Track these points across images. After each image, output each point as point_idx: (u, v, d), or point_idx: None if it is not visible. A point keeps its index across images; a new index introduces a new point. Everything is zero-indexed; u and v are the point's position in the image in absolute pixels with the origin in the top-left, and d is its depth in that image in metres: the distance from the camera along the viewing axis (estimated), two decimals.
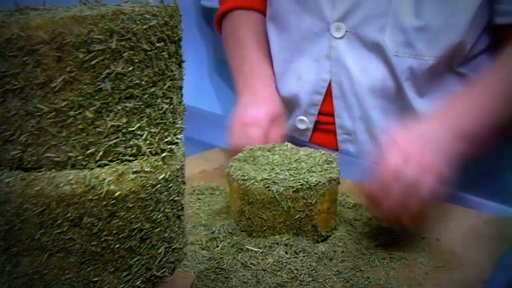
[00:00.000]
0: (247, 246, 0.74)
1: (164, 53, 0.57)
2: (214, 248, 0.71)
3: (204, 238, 0.73)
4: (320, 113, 1.07)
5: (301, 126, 1.09)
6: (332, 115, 1.06)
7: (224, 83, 1.69)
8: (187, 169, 0.90)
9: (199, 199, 0.86)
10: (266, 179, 0.71)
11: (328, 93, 1.05)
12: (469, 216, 0.82)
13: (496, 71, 0.89)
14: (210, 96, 1.74)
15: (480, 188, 1.00)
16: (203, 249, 0.71)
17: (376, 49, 0.97)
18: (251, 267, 0.69)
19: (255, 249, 0.73)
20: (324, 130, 1.08)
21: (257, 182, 0.71)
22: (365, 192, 0.72)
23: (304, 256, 0.72)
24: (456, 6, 0.91)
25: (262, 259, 0.71)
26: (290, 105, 1.09)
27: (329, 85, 1.04)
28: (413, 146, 0.73)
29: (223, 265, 0.70)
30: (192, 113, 1.20)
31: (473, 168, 1.01)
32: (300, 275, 0.68)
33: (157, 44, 0.56)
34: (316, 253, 0.73)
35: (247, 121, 0.89)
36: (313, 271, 0.69)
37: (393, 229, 0.80)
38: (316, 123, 1.08)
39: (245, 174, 0.73)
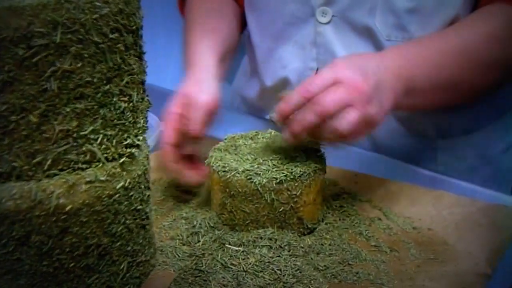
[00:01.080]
0: (227, 245, 0.70)
1: (119, 45, 0.50)
2: (195, 244, 0.68)
3: (185, 232, 0.70)
4: None
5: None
6: None
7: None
8: None
9: (180, 190, 0.82)
10: (248, 170, 0.68)
11: None
12: (463, 204, 0.78)
13: (458, 29, 0.83)
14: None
15: (473, 174, 0.98)
16: (183, 245, 0.69)
17: (366, 34, 0.90)
18: (231, 268, 0.65)
19: (236, 248, 0.69)
20: None
21: (238, 173, 0.67)
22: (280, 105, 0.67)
23: (288, 254, 0.68)
24: None
25: (244, 259, 0.67)
26: (276, 92, 1.03)
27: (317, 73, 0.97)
28: (348, 72, 0.67)
29: (202, 266, 0.66)
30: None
31: (465, 153, 0.98)
32: (283, 276, 0.64)
33: (111, 36, 0.49)
34: (302, 247, 0.69)
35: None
36: (298, 271, 0.65)
37: (381, 218, 0.76)
38: None
39: (226, 165, 0.69)
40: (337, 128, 0.64)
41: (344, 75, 0.66)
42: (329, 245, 0.70)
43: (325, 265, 0.66)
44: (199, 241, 0.69)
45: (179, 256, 0.67)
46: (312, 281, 0.63)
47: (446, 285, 0.62)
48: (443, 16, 0.86)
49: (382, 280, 0.63)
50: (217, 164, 0.69)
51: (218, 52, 0.92)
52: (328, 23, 0.92)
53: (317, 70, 0.97)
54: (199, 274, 0.63)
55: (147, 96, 0.56)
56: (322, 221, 0.75)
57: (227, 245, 0.69)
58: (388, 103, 0.69)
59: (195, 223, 0.73)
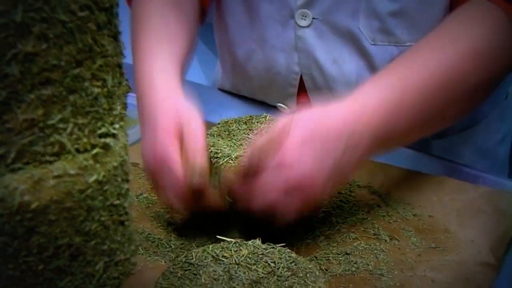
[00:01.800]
0: (218, 236, 0.66)
1: (90, 24, 0.45)
2: (186, 232, 0.68)
3: (176, 222, 0.69)
4: (299, 103, 0.95)
5: (283, 110, 0.97)
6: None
7: (208, 50, 1.57)
8: None
9: None
10: (241, 156, 0.65)
11: (303, 85, 0.92)
12: (464, 190, 0.75)
13: (440, 49, 0.71)
14: (190, 68, 1.62)
15: (475, 159, 0.95)
16: (174, 235, 0.68)
17: (350, 38, 0.84)
18: (223, 261, 0.61)
19: (228, 239, 0.66)
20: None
21: (232, 160, 0.65)
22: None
23: (283, 245, 0.63)
24: None
25: (236, 251, 0.63)
26: (264, 91, 0.97)
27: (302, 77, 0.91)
28: (301, 172, 0.60)
29: (192, 258, 0.61)
30: None
31: (461, 150, 0.94)
32: (277, 269, 0.60)
33: (80, 14, 0.44)
34: (296, 237, 0.67)
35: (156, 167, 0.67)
36: (293, 263, 0.61)
37: (380, 205, 0.74)
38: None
39: (219, 150, 0.66)
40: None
41: (294, 174, 0.60)
42: (325, 234, 0.68)
43: (321, 256, 0.64)
44: (189, 233, 0.68)
45: (170, 247, 0.65)
46: (308, 274, 0.59)
47: (448, 275, 0.60)
48: (430, 17, 0.79)
49: (382, 270, 0.61)
50: (209, 150, 0.66)
51: (179, 63, 0.78)
52: (308, 26, 0.86)
53: (301, 76, 0.91)
54: (189, 268, 0.60)
55: (126, 80, 0.51)
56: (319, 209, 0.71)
57: (218, 236, 0.66)
58: (345, 178, 0.68)
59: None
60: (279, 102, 0.96)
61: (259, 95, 0.99)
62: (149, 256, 0.64)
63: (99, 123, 0.47)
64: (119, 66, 0.49)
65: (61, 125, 0.44)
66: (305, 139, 0.60)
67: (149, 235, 0.69)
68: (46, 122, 0.44)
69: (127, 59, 0.55)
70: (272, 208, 0.61)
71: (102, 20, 0.46)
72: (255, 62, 0.94)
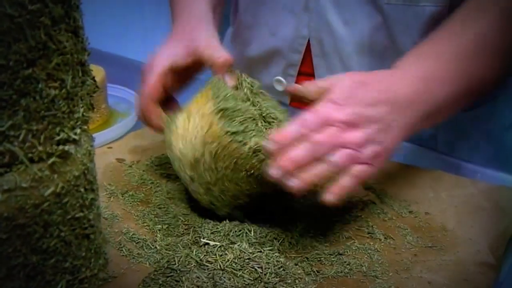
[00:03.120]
0: (203, 240, 0.63)
1: (43, 18, 0.40)
2: (171, 232, 0.65)
3: (162, 221, 0.67)
4: (300, 73, 0.92)
5: (279, 88, 0.94)
6: (313, 75, 0.91)
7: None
8: (148, 137, 0.83)
9: (159, 174, 0.77)
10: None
11: (308, 51, 0.89)
12: (463, 186, 0.74)
13: (468, 22, 0.73)
14: None
15: (475, 152, 0.93)
16: (160, 234, 0.65)
17: None
18: (207, 266, 0.59)
19: (213, 243, 0.63)
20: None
21: None
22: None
23: (270, 248, 0.62)
24: None
25: (221, 255, 0.60)
26: (264, 63, 0.94)
27: (309, 42, 0.88)
28: (343, 115, 0.60)
29: (174, 264, 0.59)
30: None
31: (467, 130, 0.91)
32: (265, 274, 0.57)
33: (30, 7, 0.39)
34: (286, 237, 0.64)
35: (148, 66, 0.76)
36: (281, 269, 0.59)
37: (375, 202, 0.72)
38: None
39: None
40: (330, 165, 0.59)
41: (340, 115, 0.59)
42: (317, 234, 0.66)
43: (313, 257, 0.62)
44: (174, 233, 0.65)
45: (155, 248, 0.63)
46: (296, 281, 0.57)
47: (445, 276, 0.58)
48: None
49: (376, 272, 0.59)
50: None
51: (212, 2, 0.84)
52: None
53: (308, 40, 0.88)
54: (171, 274, 0.57)
55: (92, 78, 0.47)
56: (309, 206, 0.70)
57: (202, 240, 0.63)
58: (394, 142, 0.63)
59: (171, 210, 0.69)
60: (278, 76, 0.93)
61: (255, 72, 0.96)
62: (133, 258, 0.62)
63: (57, 129, 0.42)
64: (82, 63, 0.44)
65: (12, 133, 0.40)
66: (350, 94, 0.61)
67: (133, 236, 0.66)
68: None
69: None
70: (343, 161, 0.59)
71: (58, 14, 0.41)
72: (260, 27, 0.92)
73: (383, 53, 0.85)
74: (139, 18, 1.65)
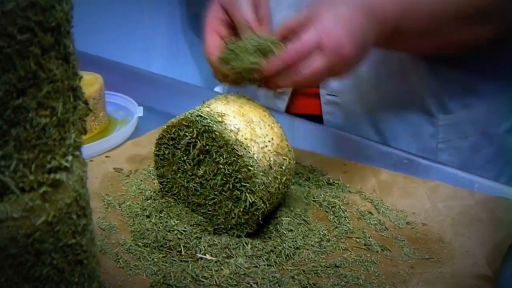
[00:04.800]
0: (199, 255, 0.64)
1: (32, 48, 0.39)
2: (168, 245, 0.65)
3: (159, 232, 0.67)
4: None
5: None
6: None
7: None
8: (147, 145, 0.85)
9: (156, 182, 0.76)
10: None
11: None
12: (460, 196, 0.74)
13: None
14: (184, 64, 1.59)
15: (476, 153, 0.93)
16: (156, 247, 0.66)
17: None
18: (203, 282, 0.60)
19: (209, 258, 0.64)
20: (305, 93, 0.93)
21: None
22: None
23: (267, 263, 0.62)
24: None
25: (217, 270, 0.61)
26: None
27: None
28: (333, 36, 0.65)
29: (170, 279, 0.60)
30: (161, 82, 1.09)
31: (467, 130, 0.91)
32: None
33: (19, 37, 0.38)
34: (283, 250, 0.64)
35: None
36: (276, 285, 0.59)
37: (372, 212, 0.72)
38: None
39: None
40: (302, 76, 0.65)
41: (328, 40, 0.64)
42: (314, 245, 0.66)
43: (309, 270, 0.62)
44: (171, 245, 0.65)
45: (152, 260, 0.63)
46: None
47: None
48: None
49: (373, 284, 0.59)
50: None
51: None
52: None
53: None
54: None
55: (84, 101, 0.46)
56: (306, 217, 0.71)
57: (199, 254, 0.64)
58: (366, 53, 0.69)
59: (168, 222, 0.69)
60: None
61: None
62: (130, 269, 0.62)
63: (49, 157, 0.42)
64: (73, 89, 0.44)
65: (2, 163, 0.39)
66: (333, 16, 0.66)
67: (130, 248, 0.67)
68: None
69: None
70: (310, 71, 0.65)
71: (48, 42, 0.41)
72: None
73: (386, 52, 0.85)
74: (138, 24, 1.65)
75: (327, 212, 0.72)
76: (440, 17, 0.74)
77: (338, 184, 0.78)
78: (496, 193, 0.73)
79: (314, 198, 0.75)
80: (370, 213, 0.72)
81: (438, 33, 0.75)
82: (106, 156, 0.88)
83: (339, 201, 0.74)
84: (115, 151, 0.89)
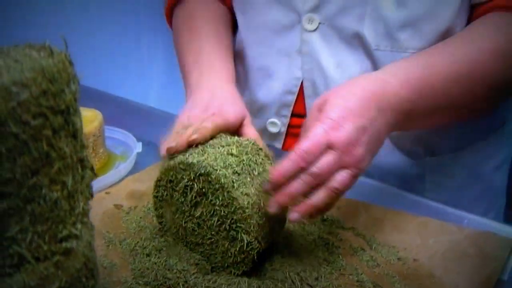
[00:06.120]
0: None
1: (45, 130, 0.44)
2: (167, 283, 0.67)
3: (161, 271, 0.69)
4: (293, 115, 0.96)
5: (273, 130, 0.98)
6: (305, 116, 0.94)
7: None
8: (146, 181, 0.86)
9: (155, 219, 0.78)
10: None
11: (302, 92, 0.94)
12: (449, 231, 0.76)
13: (463, 46, 0.77)
14: (181, 98, 1.63)
15: (463, 191, 0.96)
16: (159, 285, 0.67)
17: (354, 42, 0.86)
18: None
19: None
20: (298, 135, 0.97)
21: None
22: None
23: None
24: None
25: None
26: (259, 106, 0.98)
27: (302, 83, 0.93)
28: (342, 134, 0.64)
29: None
30: (159, 117, 1.11)
31: (454, 171, 0.94)
32: None
33: (33, 122, 0.43)
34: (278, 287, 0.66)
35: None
36: None
37: (364, 249, 0.74)
38: (289, 126, 0.97)
39: None
40: (333, 190, 0.64)
41: (337, 139, 0.63)
42: (308, 283, 0.67)
43: None
44: (171, 284, 0.67)
45: None
46: None
47: None
48: (436, 26, 0.81)
49: None
50: None
51: (230, 55, 0.90)
52: (314, 30, 0.88)
53: (302, 82, 0.91)
54: None
55: (91, 168, 0.50)
56: (301, 254, 0.72)
57: None
58: (380, 145, 0.69)
59: (167, 260, 0.71)
60: (272, 117, 0.96)
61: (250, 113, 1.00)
62: None
63: (60, 226, 0.46)
64: (81, 160, 0.48)
65: (19, 236, 0.43)
66: (342, 109, 0.65)
67: (131, 286, 0.69)
68: (4, 235, 0.43)
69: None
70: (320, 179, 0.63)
71: (58, 124, 0.45)
72: (258, 69, 0.96)
73: None
74: (135, 56, 1.67)
75: (321, 249, 0.74)
76: (453, 92, 0.75)
77: (331, 220, 0.80)
78: (485, 228, 0.76)
79: (308, 234, 0.77)
80: (363, 249, 0.74)
81: (452, 107, 0.77)
82: (106, 193, 0.90)
83: (332, 237, 0.76)
84: (115, 187, 0.92)
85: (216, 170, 0.65)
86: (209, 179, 0.66)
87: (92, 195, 0.50)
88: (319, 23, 0.87)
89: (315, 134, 0.64)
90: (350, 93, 0.67)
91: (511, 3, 0.78)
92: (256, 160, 0.70)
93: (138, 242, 0.77)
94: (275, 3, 0.90)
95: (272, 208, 0.64)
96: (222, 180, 0.65)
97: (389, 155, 0.92)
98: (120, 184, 0.93)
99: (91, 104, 0.99)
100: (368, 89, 0.67)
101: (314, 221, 0.80)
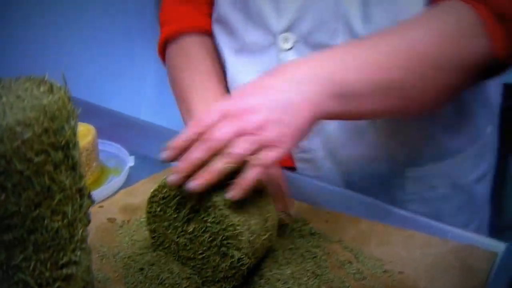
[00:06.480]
0: None
1: (47, 166, 0.47)
2: None
3: (153, 285, 0.71)
4: None
5: None
6: None
7: None
8: (139, 195, 0.87)
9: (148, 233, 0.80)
10: None
11: None
12: (434, 244, 0.77)
13: (406, 28, 0.76)
14: (173, 112, 1.65)
15: (445, 202, 0.98)
16: None
17: None
18: None
19: None
20: None
21: None
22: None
23: None
24: (402, 6, 0.81)
25: None
26: None
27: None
28: (238, 103, 0.65)
29: None
30: (152, 130, 1.14)
31: (435, 182, 0.97)
32: None
33: (36, 159, 0.46)
34: None
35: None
36: None
37: (351, 261, 0.75)
38: None
39: None
40: (231, 155, 0.62)
41: (231, 106, 0.65)
42: None
43: None
44: None
45: None
46: None
47: None
48: None
49: None
50: None
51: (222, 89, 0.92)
52: (290, 49, 0.90)
53: None
54: None
55: (88, 196, 0.54)
56: (287, 265, 0.74)
57: None
58: (299, 121, 0.65)
59: (160, 275, 0.73)
60: None
61: None
62: None
63: (61, 254, 0.49)
64: (79, 190, 0.52)
65: (24, 264, 0.47)
66: (246, 89, 0.67)
67: None
68: (10, 263, 0.46)
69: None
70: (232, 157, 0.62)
71: (59, 159, 0.48)
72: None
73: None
74: (127, 68, 1.69)
75: (309, 262, 0.76)
76: (392, 68, 0.72)
77: (320, 233, 0.82)
78: (468, 241, 0.77)
79: (297, 248, 0.79)
80: (350, 262, 0.76)
81: (394, 87, 0.73)
82: (100, 206, 0.92)
83: (320, 250, 0.78)
84: (108, 201, 0.94)
85: (208, 188, 0.68)
86: (202, 197, 0.69)
87: (89, 221, 0.53)
88: (295, 42, 0.89)
89: (212, 107, 0.66)
90: (267, 74, 0.68)
91: None
92: None
93: (131, 256, 0.79)
94: (251, 25, 0.93)
95: (172, 177, 0.65)
96: (214, 198, 0.68)
97: (371, 166, 0.95)
98: (113, 198, 0.95)
99: (84, 116, 1.00)
100: (283, 65, 0.69)
101: (302, 234, 0.82)
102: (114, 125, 1.17)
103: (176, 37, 1.01)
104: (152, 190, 0.75)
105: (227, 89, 0.98)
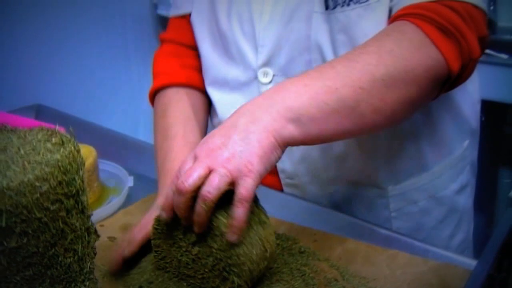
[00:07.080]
0: None
1: (61, 212, 0.56)
2: None
3: None
4: None
5: None
6: None
7: None
8: (137, 214, 0.94)
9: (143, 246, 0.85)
10: None
11: None
12: (415, 264, 0.82)
13: (351, 52, 0.79)
14: None
15: (426, 216, 1.03)
16: None
17: None
18: None
19: None
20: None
21: None
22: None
23: None
24: (365, 32, 0.86)
25: None
26: None
27: None
28: (203, 145, 0.71)
29: None
30: (149, 150, 1.16)
31: (415, 196, 1.03)
32: None
33: (52, 207, 0.55)
34: None
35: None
36: None
37: (338, 279, 0.80)
38: None
39: None
40: (205, 196, 0.68)
41: (198, 149, 0.71)
42: None
43: None
44: None
45: None
46: None
47: None
48: None
49: None
50: None
51: None
52: (270, 82, 0.97)
53: None
54: None
55: (94, 232, 0.62)
56: (276, 283, 0.79)
57: None
58: (262, 146, 0.70)
59: None
60: None
61: None
62: None
63: (73, 285, 0.58)
64: (87, 228, 0.60)
65: None
66: (213, 133, 0.73)
67: None
68: None
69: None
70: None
71: (71, 205, 0.57)
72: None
73: None
74: (125, 90, 1.72)
75: (297, 279, 0.80)
76: (341, 89, 0.75)
77: (308, 252, 0.87)
78: (446, 260, 0.81)
79: (286, 266, 0.84)
80: (336, 280, 0.78)
81: (345, 106, 0.75)
82: (100, 225, 0.99)
83: (308, 269, 0.83)
84: (108, 220, 1.01)
85: (218, 218, 0.73)
86: (210, 225, 0.73)
87: (95, 254, 0.62)
88: (273, 75, 0.96)
89: (187, 155, 0.74)
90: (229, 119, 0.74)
91: (407, 11, 0.82)
92: (253, 211, 0.76)
93: (130, 274, 0.85)
94: (232, 62, 1.00)
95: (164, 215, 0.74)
96: (222, 229, 0.73)
97: (355, 188, 1.01)
98: (113, 217, 1.02)
99: (83, 136, 1.02)
100: (243, 104, 0.75)
101: (292, 253, 0.87)
102: (113, 145, 1.23)
103: (163, 89, 1.09)
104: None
105: (205, 127, 1.05)
